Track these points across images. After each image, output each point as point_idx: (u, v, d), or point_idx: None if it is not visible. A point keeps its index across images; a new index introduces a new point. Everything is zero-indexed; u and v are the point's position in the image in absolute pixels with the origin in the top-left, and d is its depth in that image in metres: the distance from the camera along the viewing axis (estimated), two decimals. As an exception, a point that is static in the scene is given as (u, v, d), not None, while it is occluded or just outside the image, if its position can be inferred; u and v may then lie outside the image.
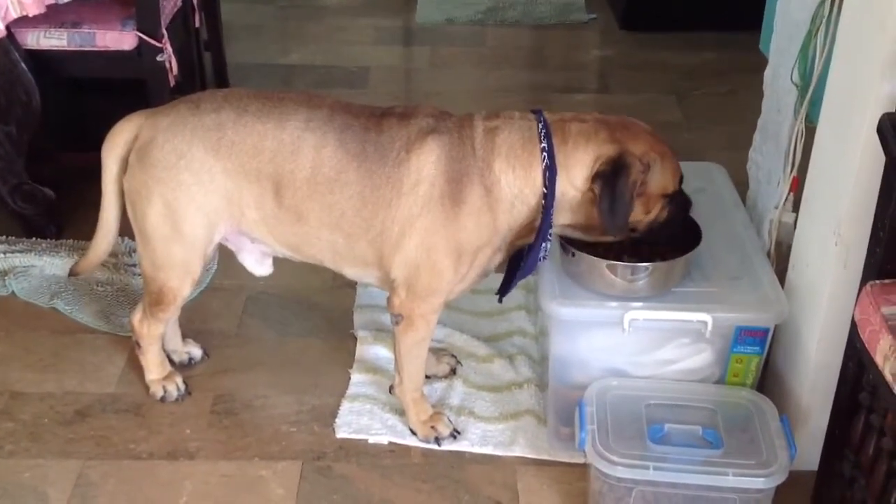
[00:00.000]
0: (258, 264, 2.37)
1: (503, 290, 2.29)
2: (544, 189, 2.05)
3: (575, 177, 2.07)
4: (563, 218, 2.11)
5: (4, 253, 2.94)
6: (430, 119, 2.13)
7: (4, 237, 3.05)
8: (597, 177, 2.04)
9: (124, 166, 2.23)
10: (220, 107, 2.16)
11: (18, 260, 2.91)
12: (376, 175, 2.09)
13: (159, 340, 2.44)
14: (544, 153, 2.05)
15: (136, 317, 2.40)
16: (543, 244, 2.09)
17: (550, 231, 2.09)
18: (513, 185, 2.07)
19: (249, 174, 2.14)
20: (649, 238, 2.19)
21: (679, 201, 2.17)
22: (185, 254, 2.23)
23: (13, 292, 2.82)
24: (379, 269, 2.19)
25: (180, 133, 2.15)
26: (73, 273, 2.57)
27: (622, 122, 2.12)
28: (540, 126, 2.08)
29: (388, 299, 2.21)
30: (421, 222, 2.08)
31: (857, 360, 1.86)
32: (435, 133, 2.09)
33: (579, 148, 2.06)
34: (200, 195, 2.16)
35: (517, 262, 2.20)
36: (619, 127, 2.10)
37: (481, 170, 2.07)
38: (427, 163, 2.07)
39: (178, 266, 2.25)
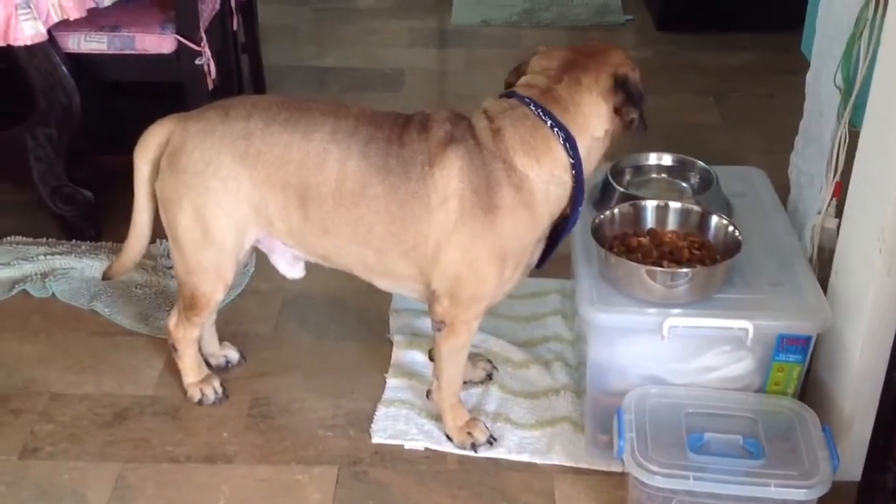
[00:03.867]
0: (290, 267, 2.37)
1: (543, 261, 2.26)
2: (571, 160, 2.07)
3: (595, 127, 2.09)
4: (591, 164, 2.13)
5: (45, 255, 2.97)
6: (446, 125, 2.11)
7: (45, 239, 3.09)
8: (624, 107, 2.08)
9: (156, 170, 2.24)
10: (249, 115, 2.16)
11: (58, 262, 2.94)
12: (401, 190, 2.08)
13: (195, 344, 2.45)
14: (555, 129, 2.06)
15: (172, 321, 2.41)
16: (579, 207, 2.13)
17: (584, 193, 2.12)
18: (541, 173, 2.07)
19: (275, 184, 2.14)
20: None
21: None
22: (216, 259, 2.24)
23: (53, 294, 2.85)
24: (413, 280, 2.19)
25: (209, 139, 2.15)
26: (106, 276, 2.59)
27: (587, 52, 2.14)
28: (533, 108, 2.08)
29: (430, 307, 2.20)
30: (457, 236, 2.07)
31: (902, 369, 1.83)
32: (453, 144, 2.07)
33: (583, 102, 2.08)
34: (228, 202, 2.17)
35: (552, 233, 2.19)
36: (591, 58, 2.12)
37: (505, 171, 2.06)
38: (451, 177, 2.06)
39: (209, 271, 2.26)
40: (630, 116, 2.09)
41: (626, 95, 2.09)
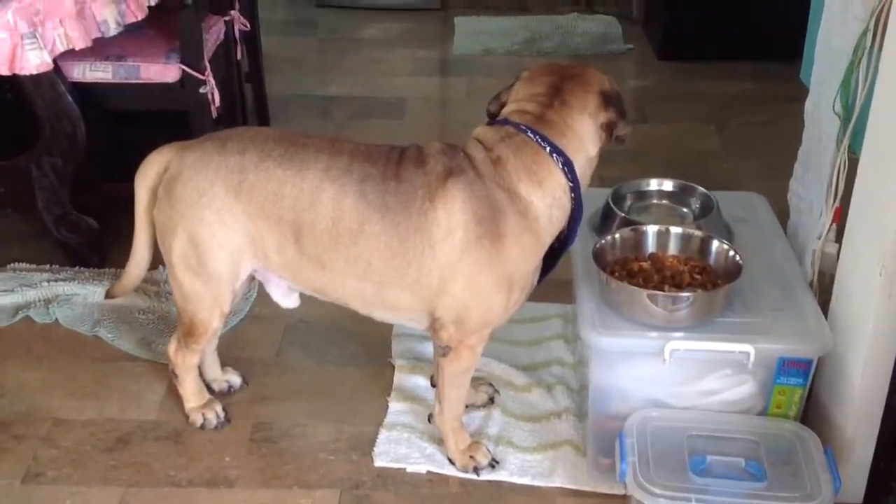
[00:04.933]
0: (285, 297, 2.37)
1: (542, 277, 2.27)
2: (570, 183, 2.10)
3: (589, 147, 2.14)
4: (585, 182, 2.17)
5: (48, 281, 2.99)
6: (443, 158, 2.12)
7: (49, 266, 3.10)
8: (615, 123, 2.12)
9: (155, 197, 2.26)
10: (245, 148, 2.17)
11: (62, 288, 2.96)
12: (402, 226, 2.09)
13: (195, 370, 2.45)
14: (553, 154, 2.09)
15: (172, 347, 2.42)
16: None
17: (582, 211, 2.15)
18: (545, 199, 2.09)
19: (270, 219, 2.15)
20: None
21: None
22: (212, 287, 2.25)
23: (57, 320, 2.86)
24: (414, 311, 2.19)
25: (204, 171, 2.17)
26: (108, 296, 2.63)
27: (569, 75, 2.17)
28: (531, 135, 2.10)
29: (436, 332, 2.20)
30: (463, 267, 2.08)
31: (903, 392, 1.84)
32: (452, 176, 2.08)
33: (576, 124, 2.12)
34: (222, 233, 2.18)
35: (552, 253, 2.21)
36: (575, 80, 2.15)
37: (509, 199, 2.07)
38: (455, 210, 2.07)
39: (205, 299, 2.27)
40: (623, 131, 2.14)
41: (616, 110, 2.13)
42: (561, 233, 2.18)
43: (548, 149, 2.09)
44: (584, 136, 2.13)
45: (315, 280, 2.21)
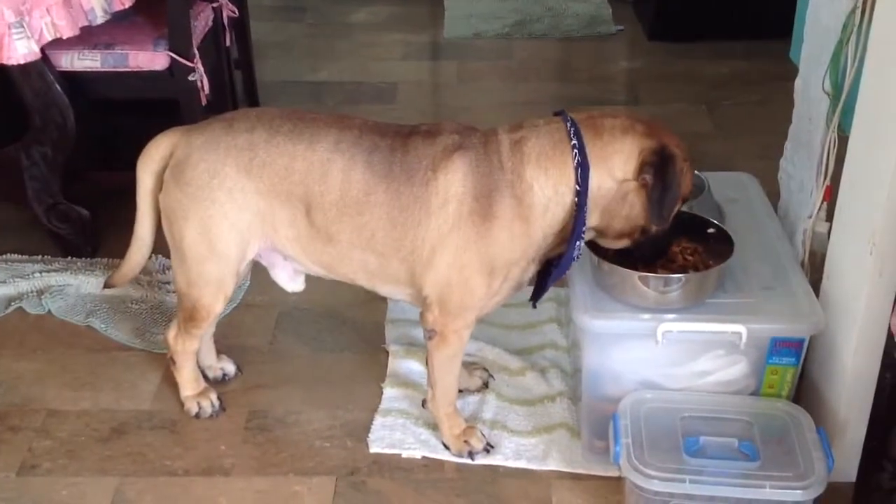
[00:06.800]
0: (290, 280, 2.38)
1: (536, 296, 2.28)
2: (577, 186, 2.04)
3: (614, 167, 2.04)
4: (591, 219, 2.08)
5: (41, 272, 2.98)
6: (455, 136, 2.12)
7: (40, 256, 3.10)
8: (646, 165, 2.02)
9: (159, 182, 2.26)
10: (252, 127, 2.18)
11: (54, 279, 2.95)
12: (404, 196, 2.10)
13: (194, 356, 2.46)
14: (575, 150, 2.03)
15: (171, 333, 2.42)
16: (578, 242, 2.08)
17: (584, 228, 2.07)
18: (546, 187, 2.05)
19: (281, 195, 2.16)
20: (637, 251, 2.16)
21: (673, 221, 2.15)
22: (219, 271, 2.25)
23: (49, 311, 2.86)
24: (412, 286, 2.20)
25: (214, 152, 2.17)
26: (107, 285, 2.61)
27: (655, 122, 2.11)
28: (568, 125, 2.07)
29: (422, 315, 2.22)
30: (451, 240, 2.09)
31: (894, 370, 1.84)
32: (460, 150, 2.09)
33: (617, 139, 2.04)
34: (233, 213, 2.18)
35: (548, 267, 2.19)
36: (653, 125, 2.09)
37: (511, 182, 2.06)
38: (454, 181, 2.07)
39: (211, 283, 2.27)
40: (647, 178, 2.02)
41: (657, 161, 2.02)
42: (559, 249, 2.14)
43: (573, 142, 2.04)
44: (618, 150, 2.04)
45: (324, 254, 2.22)
